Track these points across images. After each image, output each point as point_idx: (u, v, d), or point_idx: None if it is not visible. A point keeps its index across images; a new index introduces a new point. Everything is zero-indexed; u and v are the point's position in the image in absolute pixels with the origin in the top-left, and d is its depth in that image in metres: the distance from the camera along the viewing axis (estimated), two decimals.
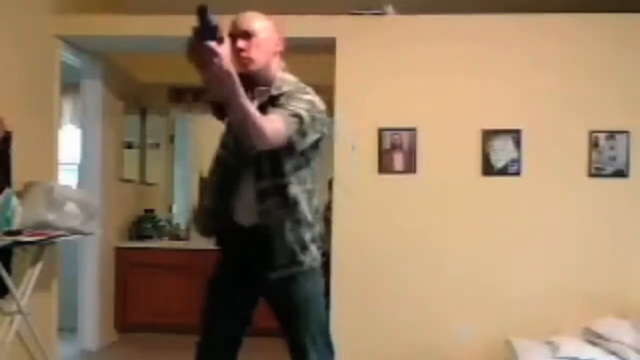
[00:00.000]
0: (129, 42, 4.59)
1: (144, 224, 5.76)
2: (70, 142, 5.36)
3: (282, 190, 2.20)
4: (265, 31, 2.21)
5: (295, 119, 2.11)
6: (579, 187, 4.13)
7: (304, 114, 2.13)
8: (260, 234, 2.21)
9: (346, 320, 4.10)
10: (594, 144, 4.12)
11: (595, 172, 4.12)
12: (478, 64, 4.20)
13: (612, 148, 4.10)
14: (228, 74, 1.80)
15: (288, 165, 2.20)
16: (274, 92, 2.22)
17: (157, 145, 6.17)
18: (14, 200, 3.56)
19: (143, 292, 5.42)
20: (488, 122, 4.19)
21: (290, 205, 2.20)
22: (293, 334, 2.29)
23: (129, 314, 5.46)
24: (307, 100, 2.18)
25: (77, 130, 5.36)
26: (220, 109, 2.20)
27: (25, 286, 3.73)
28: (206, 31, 1.72)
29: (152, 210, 5.90)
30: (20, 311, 3.64)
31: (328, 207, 4.33)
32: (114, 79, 5.21)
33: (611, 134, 4.11)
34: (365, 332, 4.18)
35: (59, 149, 4.47)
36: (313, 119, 2.17)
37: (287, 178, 2.20)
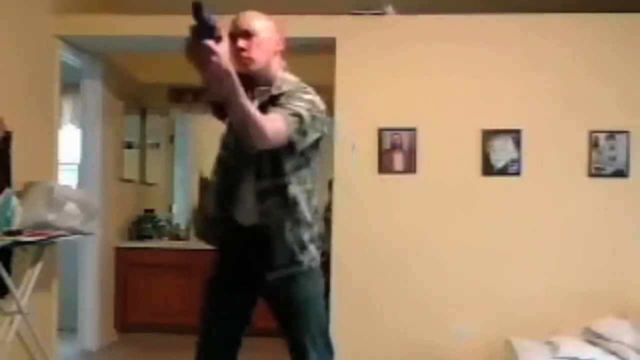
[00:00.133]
0: (129, 42, 4.59)
1: (144, 224, 5.76)
2: (70, 142, 5.36)
3: (282, 190, 2.20)
4: (266, 31, 2.21)
5: (296, 119, 2.11)
6: (579, 187, 4.13)
7: (304, 113, 2.13)
8: (260, 234, 2.21)
9: (346, 320, 4.10)
10: (594, 144, 4.12)
11: (595, 172, 4.12)
12: (478, 64, 4.20)
13: (612, 148, 4.10)
14: (227, 73, 1.80)
15: (288, 165, 2.20)
16: (275, 91, 2.22)
17: (157, 145, 6.17)
18: (14, 200, 3.56)
19: (143, 292, 5.42)
20: (488, 122, 4.19)
21: (290, 205, 2.20)
22: (293, 334, 2.29)
23: (129, 314, 5.46)
24: (307, 100, 2.18)
25: (77, 130, 5.36)
26: (221, 109, 2.20)
27: (25, 286, 3.73)
28: (204, 30, 1.73)
29: (152, 210, 5.90)
30: (20, 311, 3.64)
31: (328, 208, 4.33)
32: (114, 79, 5.21)
33: (611, 134, 4.10)
34: (365, 332, 4.18)
35: (59, 149, 4.47)
36: (313, 118, 2.17)
37: (287, 178, 2.20)
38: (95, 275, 5.04)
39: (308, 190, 2.26)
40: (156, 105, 6.06)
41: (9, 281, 3.52)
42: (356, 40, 4.26)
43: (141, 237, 5.69)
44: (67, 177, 5.37)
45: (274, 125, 2.02)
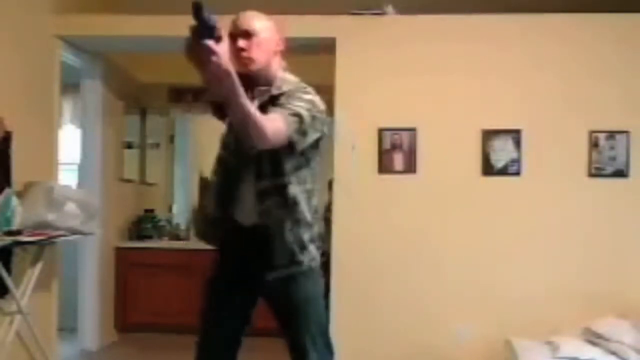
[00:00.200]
0: (129, 42, 4.59)
1: (144, 224, 5.76)
2: (70, 142, 5.36)
3: (282, 190, 2.20)
4: (266, 31, 2.21)
5: (296, 119, 2.11)
6: (579, 187, 4.13)
7: (304, 113, 2.13)
8: (260, 234, 2.21)
9: (346, 320, 4.10)
10: (594, 144, 4.12)
11: (595, 172, 4.12)
12: (478, 64, 4.20)
13: (612, 148, 4.10)
14: (227, 73, 1.80)
15: (288, 165, 2.20)
16: (275, 91, 2.22)
17: (157, 145, 6.17)
18: (14, 200, 3.56)
19: (143, 292, 5.42)
20: (488, 122, 4.19)
21: (289, 205, 2.20)
22: (293, 334, 2.29)
23: (129, 314, 5.46)
24: (307, 100, 2.18)
25: (77, 130, 5.36)
26: (221, 109, 2.20)
27: (25, 286, 3.73)
28: (204, 30, 1.73)
29: (152, 210, 5.90)
30: (20, 311, 3.64)
31: (328, 208, 4.33)
32: (114, 79, 5.21)
33: (611, 134, 4.10)
34: (365, 332, 4.18)
35: (59, 149, 4.47)
36: (313, 118, 2.16)
37: (287, 178, 2.20)
38: (95, 275, 5.04)
39: (308, 190, 2.26)
40: (156, 105, 6.06)
41: (9, 281, 3.52)
42: (356, 40, 4.26)
43: (141, 237, 5.69)
44: (67, 177, 5.37)
45: (274, 125, 2.02)
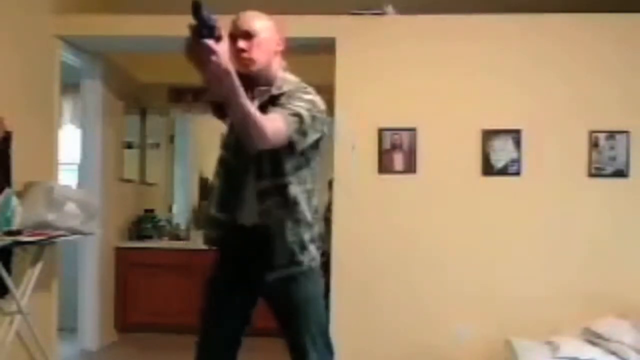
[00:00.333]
0: (129, 42, 4.59)
1: (144, 224, 5.76)
2: (70, 142, 5.36)
3: (282, 190, 2.20)
4: (266, 31, 2.20)
5: (296, 119, 2.11)
6: (579, 187, 4.13)
7: (304, 113, 2.13)
8: (260, 234, 2.21)
9: (346, 320, 4.10)
10: (594, 144, 4.12)
11: (595, 172, 4.12)
12: (478, 64, 4.20)
13: (612, 148, 4.10)
14: (227, 73, 1.80)
15: (288, 165, 2.20)
16: (275, 91, 2.22)
17: (157, 145, 6.17)
18: (14, 200, 3.56)
19: (143, 292, 5.42)
20: (488, 122, 4.19)
21: (290, 205, 2.20)
22: (293, 334, 2.29)
23: (129, 314, 5.46)
24: (307, 100, 2.18)
25: (77, 130, 5.36)
26: (221, 109, 2.19)
27: (25, 286, 3.73)
28: (204, 29, 1.73)
29: (152, 210, 5.90)
30: (20, 311, 3.64)
31: (328, 208, 4.33)
32: (114, 79, 5.21)
33: (611, 134, 4.10)
34: (365, 332, 4.18)
35: (59, 149, 4.48)
36: (313, 118, 2.16)
37: (287, 178, 2.20)
38: (95, 275, 5.04)
39: (308, 190, 2.26)
40: (156, 105, 6.06)
41: (9, 281, 3.52)
42: (356, 40, 4.26)
43: (141, 237, 5.69)
44: (67, 177, 5.37)
45: (274, 125, 2.02)
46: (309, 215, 2.24)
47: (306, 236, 2.24)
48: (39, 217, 3.63)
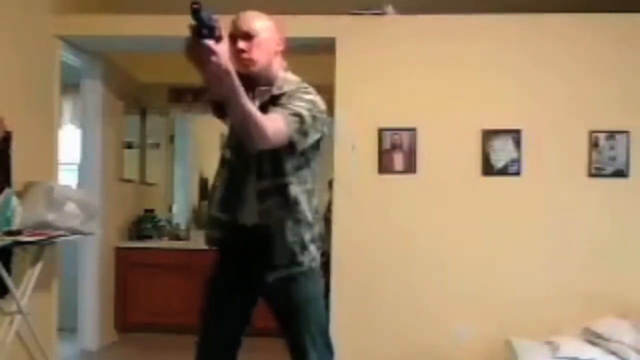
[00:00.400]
0: (129, 42, 4.59)
1: (144, 224, 5.76)
2: (70, 142, 5.36)
3: (282, 190, 2.20)
4: (266, 31, 2.20)
5: (296, 119, 2.11)
6: (579, 187, 4.13)
7: (305, 113, 2.13)
8: (260, 234, 2.21)
9: (346, 320, 4.10)
10: (594, 144, 4.12)
11: (595, 172, 4.12)
12: (478, 64, 4.20)
13: (612, 148, 4.11)
14: (227, 73, 1.80)
15: (289, 165, 2.20)
16: (276, 91, 2.22)
17: (157, 145, 6.17)
18: (14, 200, 3.56)
19: (143, 292, 5.42)
20: (488, 122, 4.19)
21: (290, 205, 2.20)
22: (293, 334, 2.29)
23: (129, 314, 5.46)
24: (308, 100, 2.18)
25: (77, 130, 5.36)
26: (221, 109, 2.19)
27: (25, 286, 3.73)
28: (204, 30, 1.73)
29: (152, 210, 5.90)
30: (20, 311, 3.64)
31: (328, 208, 4.33)
32: (114, 79, 5.21)
33: (611, 134, 4.11)
34: (365, 332, 4.18)
35: (59, 149, 4.48)
36: (314, 118, 2.16)
37: (287, 178, 2.20)
38: (95, 275, 5.04)
39: (309, 190, 2.26)
40: (156, 105, 6.06)
41: (9, 281, 3.52)
42: (356, 40, 4.26)
43: (141, 237, 5.69)
44: (67, 177, 5.37)
45: (275, 125, 2.02)
46: (309, 215, 2.24)
47: (307, 236, 2.24)
48: (39, 217, 3.63)
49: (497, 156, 4.18)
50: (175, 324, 5.14)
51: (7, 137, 3.68)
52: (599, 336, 3.65)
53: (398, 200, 4.23)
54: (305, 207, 2.23)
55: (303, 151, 2.20)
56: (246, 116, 1.92)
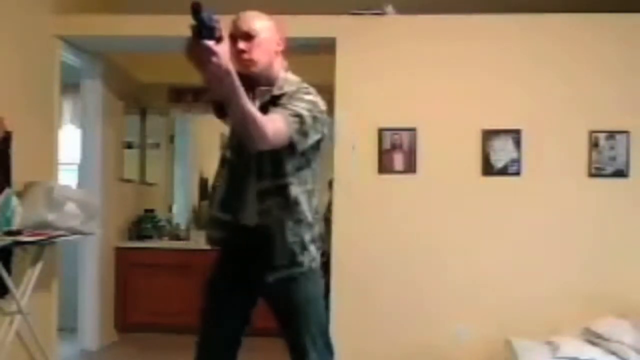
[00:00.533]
0: (129, 42, 4.59)
1: (144, 224, 5.76)
2: (70, 142, 5.36)
3: (283, 190, 2.20)
4: (267, 31, 2.20)
5: (296, 119, 2.10)
6: (579, 187, 4.13)
7: (305, 113, 2.13)
8: (261, 234, 2.21)
9: (346, 320, 4.10)
10: (594, 144, 4.12)
11: (595, 172, 4.12)
12: (478, 64, 4.20)
13: (612, 148, 4.11)
14: (227, 73, 1.80)
15: (289, 166, 2.20)
16: (276, 92, 2.22)
17: (157, 145, 6.17)
18: (14, 200, 3.56)
19: (143, 292, 5.42)
20: (488, 122, 4.19)
21: (291, 205, 2.20)
22: (293, 334, 2.29)
23: (129, 314, 5.46)
24: (308, 100, 2.18)
25: (77, 130, 5.36)
26: (222, 109, 2.19)
27: (25, 286, 3.73)
28: (204, 30, 1.73)
29: (152, 210, 5.90)
30: (20, 311, 3.64)
31: (328, 208, 4.33)
32: (114, 79, 5.21)
33: (611, 134, 4.11)
34: (365, 332, 4.18)
35: (59, 149, 4.48)
36: (314, 119, 2.16)
37: (288, 178, 2.20)
38: (95, 275, 5.04)
39: (309, 190, 2.26)
40: (156, 105, 6.06)
41: (9, 281, 3.52)
42: (356, 40, 4.25)
43: (141, 237, 5.69)
44: (67, 177, 5.37)
45: (275, 125, 2.02)
46: (309, 216, 2.24)
47: (307, 236, 2.24)
48: (39, 217, 3.63)
49: (497, 156, 4.18)
50: (175, 324, 5.14)
51: (7, 137, 3.68)
52: (599, 336, 3.65)
53: (398, 200, 4.23)
54: (305, 207, 2.23)
55: (303, 152, 2.20)
56: (246, 116, 1.92)
